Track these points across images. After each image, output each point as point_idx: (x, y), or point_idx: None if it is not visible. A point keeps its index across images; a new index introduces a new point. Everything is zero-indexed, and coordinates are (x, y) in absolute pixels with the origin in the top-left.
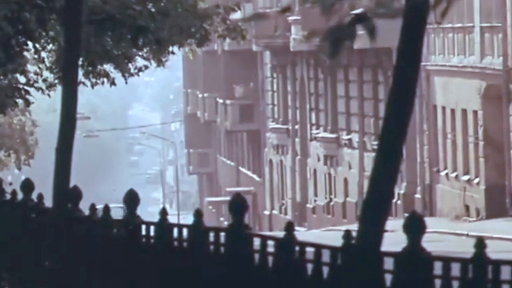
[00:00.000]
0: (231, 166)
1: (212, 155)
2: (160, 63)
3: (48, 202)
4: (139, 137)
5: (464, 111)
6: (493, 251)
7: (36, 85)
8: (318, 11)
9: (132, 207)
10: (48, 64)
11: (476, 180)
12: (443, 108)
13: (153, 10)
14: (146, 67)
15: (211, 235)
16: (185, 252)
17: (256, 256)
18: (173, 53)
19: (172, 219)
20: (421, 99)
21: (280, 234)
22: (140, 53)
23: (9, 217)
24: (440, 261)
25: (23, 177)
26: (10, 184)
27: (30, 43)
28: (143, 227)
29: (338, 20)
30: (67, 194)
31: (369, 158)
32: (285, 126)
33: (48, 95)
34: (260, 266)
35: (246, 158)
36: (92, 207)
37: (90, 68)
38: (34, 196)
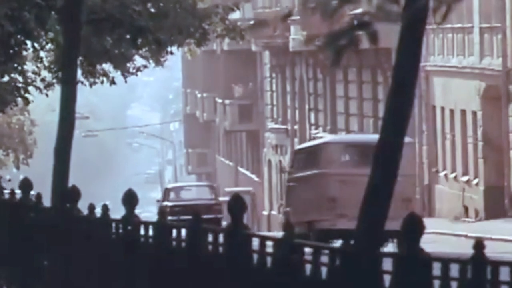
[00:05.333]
0: (230, 166)
1: (211, 155)
2: (158, 62)
3: (47, 202)
4: (138, 137)
5: (463, 112)
6: (492, 252)
7: (34, 84)
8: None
9: (130, 207)
10: (46, 64)
11: (475, 181)
12: (442, 108)
13: (152, 10)
14: (145, 66)
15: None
16: (183, 252)
17: (255, 256)
18: (171, 53)
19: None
20: (420, 99)
21: (279, 234)
22: (139, 53)
23: (7, 216)
24: (439, 262)
25: (21, 177)
26: (9, 180)
27: (29, 42)
28: (142, 226)
29: (339, 25)
30: (65, 193)
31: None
32: (284, 126)
33: (46, 94)
34: (259, 267)
35: (245, 158)
36: (91, 207)
37: (89, 68)
38: (32, 195)
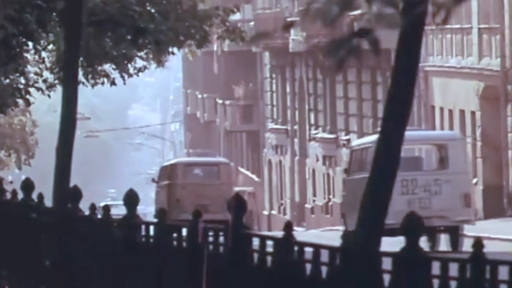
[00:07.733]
0: None
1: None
2: (159, 63)
3: (48, 202)
4: (139, 137)
5: (462, 112)
6: (491, 251)
7: (36, 85)
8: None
9: (132, 207)
10: (48, 65)
11: (474, 180)
12: (441, 108)
13: (153, 11)
14: (145, 67)
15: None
16: (183, 251)
17: (255, 255)
18: (173, 53)
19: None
20: (419, 99)
21: (279, 234)
22: (140, 54)
23: (9, 216)
24: (438, 261)
25: (23, 177)
26: (11, 182)
27: (30, 44)
28: (143, 227)
29: (341, 33)
30: (67, 193)
31: None
32: (284, 127)
33: (48, 95)
34: (259, 266)
35: (245, 158)
36: (92, 207)
37: (89, 69)
38: (34, 195)
